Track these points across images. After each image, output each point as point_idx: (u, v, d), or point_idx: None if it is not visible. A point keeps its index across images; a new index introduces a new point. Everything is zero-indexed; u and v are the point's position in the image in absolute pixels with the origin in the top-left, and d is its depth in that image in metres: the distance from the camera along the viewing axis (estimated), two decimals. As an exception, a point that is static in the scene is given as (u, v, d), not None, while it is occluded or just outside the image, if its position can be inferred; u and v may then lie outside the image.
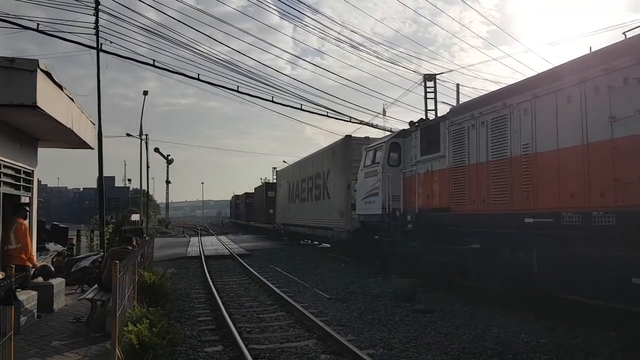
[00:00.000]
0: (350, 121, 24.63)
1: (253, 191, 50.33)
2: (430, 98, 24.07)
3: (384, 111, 26.51)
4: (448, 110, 11.88)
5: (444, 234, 10.95)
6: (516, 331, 7.73)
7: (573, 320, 7.91)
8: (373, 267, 15.36)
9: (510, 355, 6.55)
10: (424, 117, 19.11)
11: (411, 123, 13.61)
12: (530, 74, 10.17)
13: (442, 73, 31.42)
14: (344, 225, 18.35)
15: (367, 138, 18.88)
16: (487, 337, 7.46)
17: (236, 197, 65.99)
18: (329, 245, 22.83)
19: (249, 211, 49.74)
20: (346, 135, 19.37)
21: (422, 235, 11.75)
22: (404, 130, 14.70)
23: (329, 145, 21.67)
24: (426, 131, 12.12)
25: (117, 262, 5.27)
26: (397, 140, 14.11)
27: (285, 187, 29.26)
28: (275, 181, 39.78)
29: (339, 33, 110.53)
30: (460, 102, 18.89)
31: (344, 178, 18.73)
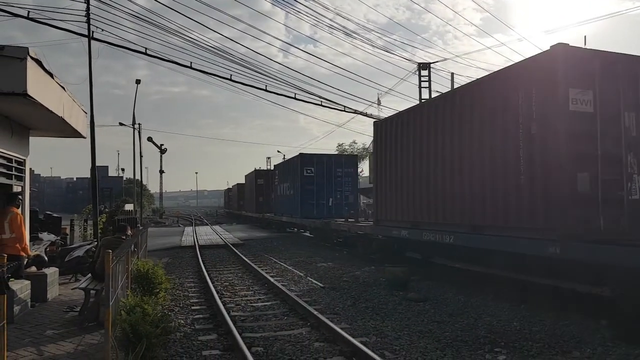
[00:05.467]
0: (344, 110, 24.53)
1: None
2: (425, 87, 23.90)
3: (379, 100, 26.50)
4: None
5: None
6: (508, 319, 7.80)
7: (563, 307, 7.99)
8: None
9: (502, 343, 6.60)
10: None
11: None
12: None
13: (436, 62, 31.39)
14: None
15: None
16: (480, 325, 7.53)
17: (257, 173, 39.27)
18: None
19: (294, 199, 25.56)
20: None
21: None
22: None
23: None
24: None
25: (110, 251, 5.25)
26: None
27: None
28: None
29: (331, 20, 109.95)
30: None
31: None
